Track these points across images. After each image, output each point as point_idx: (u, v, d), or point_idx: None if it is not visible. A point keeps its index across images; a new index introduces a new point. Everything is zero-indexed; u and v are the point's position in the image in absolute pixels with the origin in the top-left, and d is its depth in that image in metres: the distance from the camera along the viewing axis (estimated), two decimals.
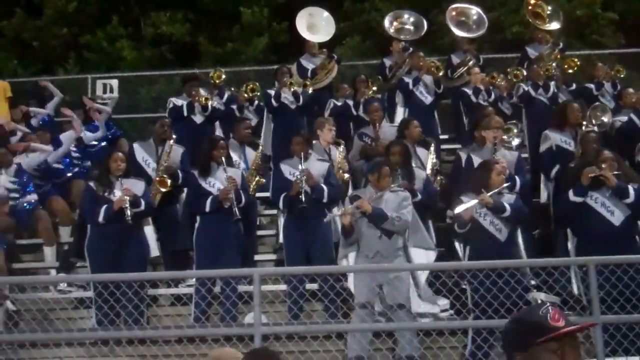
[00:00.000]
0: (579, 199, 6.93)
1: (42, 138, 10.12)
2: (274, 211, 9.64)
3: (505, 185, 7.02)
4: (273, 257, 8.97)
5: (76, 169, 10.30)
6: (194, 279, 7.75)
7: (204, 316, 7.30)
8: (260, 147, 9.14)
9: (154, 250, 7.86)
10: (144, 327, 6.76)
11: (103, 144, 10.94)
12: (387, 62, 11.62)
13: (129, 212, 7.32)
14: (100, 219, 7.43)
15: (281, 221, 8.45)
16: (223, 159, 7.82)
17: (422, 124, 9.08)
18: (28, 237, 9.22)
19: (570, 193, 6.98)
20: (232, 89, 11.18)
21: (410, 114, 10.36)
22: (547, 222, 8.44)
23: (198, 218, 7.82)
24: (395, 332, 6.61)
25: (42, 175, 9.50)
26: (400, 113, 10.69)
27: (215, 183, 7.78)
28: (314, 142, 8.69)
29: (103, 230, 7.45)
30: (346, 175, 8.66)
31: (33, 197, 9.18)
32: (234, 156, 8.75)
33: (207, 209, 7.68)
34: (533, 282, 6.99)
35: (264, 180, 8.93)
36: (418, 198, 7.56)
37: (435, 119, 10.86)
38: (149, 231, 7.87)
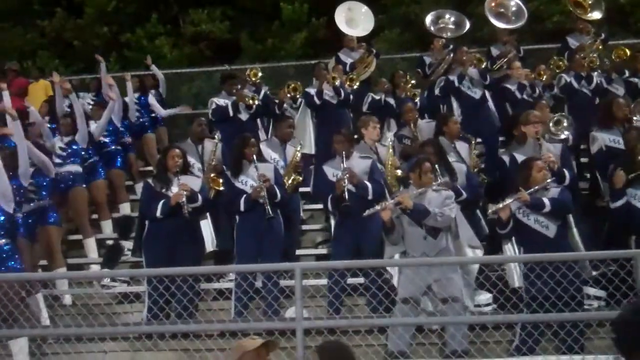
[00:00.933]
0: (619, 204, 6.85)
1: (97, 113, 10.20)
2: (314, 206, 9.68)
3: (548, 181, 6.92)
4: (314, 251, 8.98)
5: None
6: (234, 274, 7.79)
7: (245, 310, 7.33)
8: (299, 146, 9.11)
9: (210, 245, 7.91)
10: (187, 321, 6.80)
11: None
12: (427, 59, 11.52)
13: (186, 208, 7.40)
14: (158, 213, 7.52)
15: (332, 222, 8.42)
16: (254, 156, 7.84)
17: (476, 118, 8.92)
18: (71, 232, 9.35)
19: (610, 202, 6.91)
20: (266, 87, 11.16)
21: (463, 111, 10.28)
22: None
23: (237, 216, 7.86)
24: (445, 326, 6.57)
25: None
26: (456, 109, 10.52)
27: (247, 181, 7.79)
28: (358, 144, 8.60)
29: (160, 226, 7.54)
30: (399, 172, 8.45)
31: (74, 168, 9.23)
32: (274, 154, 8.75)
33: (242, 208, 7.70)
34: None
35: (301, 179, 8.91)
36: (464, 196, 7.51)
37: (490, 111, 10.62)
38: (205, 225, 7.92)
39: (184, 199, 7.43)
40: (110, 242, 9.32)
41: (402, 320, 6.51)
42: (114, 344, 7.11)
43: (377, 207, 6.79)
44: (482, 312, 6.85)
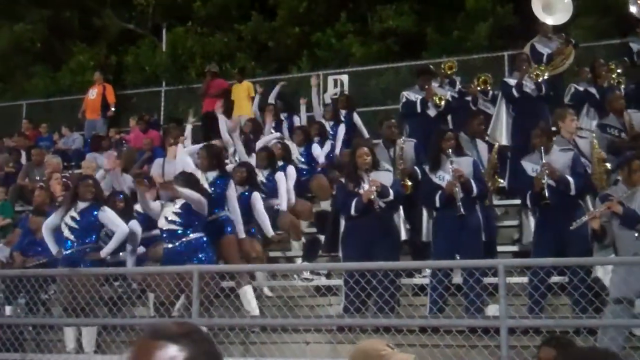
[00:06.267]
0: None
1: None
2: (509, 202, 9.45)
3: None
4: (511, 248, 8.76)
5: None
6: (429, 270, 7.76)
7: (435, 307, 7.26)
8: (496, 146, 8.92)
9: (402, 235, 7.93)
10: (388, 315, 6.88)
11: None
12: (635, 46, 10.77)
13: (377, 203, 7.51)
14: (352, 211, 7.68)
15: (529, 219, 8.18)
16: (450, 150, 7.75)
17: None
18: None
19: None
20: (459, 78, 11.01)
21: None
22: None
23: (435, 212, 7.84)
24: None
25: None
26: None
27: (444, 176, 7.70)
28: (555, 137, 8.30)
29: (355, 223, 7.68)
30: (608, 165, 8.10)
31: None
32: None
33: (438, 204, 7.66)
34: None
35: (502, 182, 8.75)
36: None
37: None
38: (397, 216, 7.96)
39: (374, 195, 7.53)
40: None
41: (612, 321, 6.19)
42: (318, 336, 7.35)
43: (585, 218, 6.54)
44: None
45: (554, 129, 8.51)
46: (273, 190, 9.39)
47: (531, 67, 10.17)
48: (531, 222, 8.11)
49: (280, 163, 9.87)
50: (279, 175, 9.50)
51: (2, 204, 11.40)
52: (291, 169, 9.87)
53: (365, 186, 7.63)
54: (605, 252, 6.65)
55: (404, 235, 8.01)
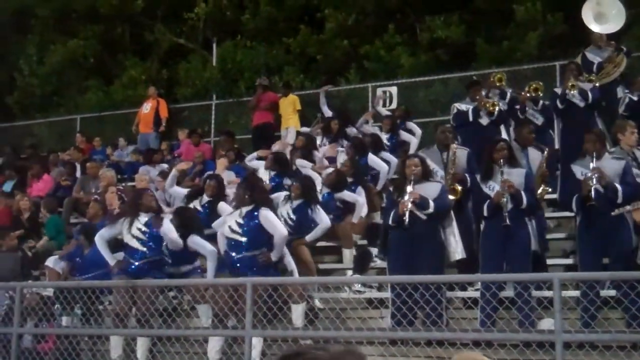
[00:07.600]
0: None
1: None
2: (561, 214, 9.32)
3: None
4: (562, 261, 8.63)
5: None
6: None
7: (489, 320, 7.19)
8: (545, 152, 8.84)
9: (457, 254, 7.78)
10: (441, 328, 6.84)
11: None
12: None
13: (407, 216, 7.46)
14: (390, 221, 7.71)
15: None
16: (502, 161, 7.69)
17: None
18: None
19: None
20: (510, 90, 10.93)
21: None
22: None
23: (483, 221, 7.78)
24: None
25: None
26: None
27: (494, 186, 7.66)
28: (612, 148, 8.20)
29: (398, 233, 7.67)
30: None
31: None
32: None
33: (486, 213, 7.61)
34: None
35: (549, 189, 8.66)
36: None
37: None
38: (450, 233, 7.85)
39: (408, 207, 7.47)
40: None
41: None
42: (368, 348, 7.32)
43: (628, 207, 6.43)
44: None
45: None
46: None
47: (582, 76, 10.07)
48: None
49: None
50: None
51: (50, 219, 11.64)
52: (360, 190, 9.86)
53: (406, 197, 7.61)
54: None
55: (459, 254, 7.82)
